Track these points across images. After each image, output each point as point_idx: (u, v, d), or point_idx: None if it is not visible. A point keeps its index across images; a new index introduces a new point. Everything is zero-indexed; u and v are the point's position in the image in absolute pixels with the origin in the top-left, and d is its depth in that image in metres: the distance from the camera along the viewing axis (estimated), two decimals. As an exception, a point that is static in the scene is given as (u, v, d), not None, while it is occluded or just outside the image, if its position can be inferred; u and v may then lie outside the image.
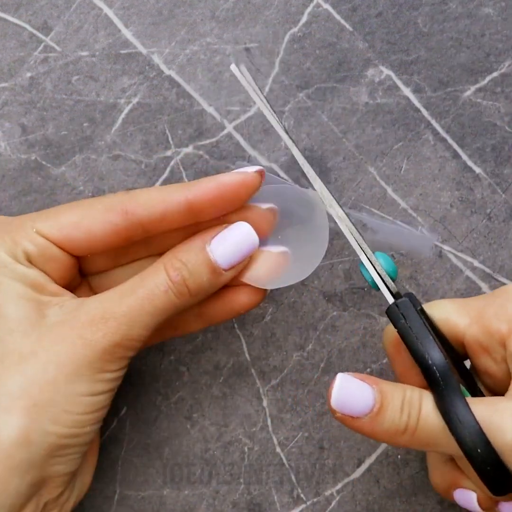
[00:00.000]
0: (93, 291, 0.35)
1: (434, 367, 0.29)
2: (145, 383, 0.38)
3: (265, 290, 0.34)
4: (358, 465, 0.38)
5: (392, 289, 0.31)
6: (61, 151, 0.38)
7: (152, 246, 0.34)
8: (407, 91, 0.38)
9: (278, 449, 0.38)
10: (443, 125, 0.38)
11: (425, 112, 0.38)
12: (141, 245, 0.33)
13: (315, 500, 0.38)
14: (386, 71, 0.38)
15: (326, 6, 0.38)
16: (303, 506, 0.38)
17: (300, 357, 0.38)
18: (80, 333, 0.30)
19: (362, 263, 0.32)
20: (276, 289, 0.38)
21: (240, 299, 0.34)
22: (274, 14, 0.38)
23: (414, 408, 0.29)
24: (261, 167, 0.32)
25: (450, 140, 0.38)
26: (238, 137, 0.38)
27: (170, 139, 0.38)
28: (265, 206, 0.33)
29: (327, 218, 0.33)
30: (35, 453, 0.30)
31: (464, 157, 0.38)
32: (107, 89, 0.38)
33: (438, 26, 0.38)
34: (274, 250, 0.33)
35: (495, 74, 0.38)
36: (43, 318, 0.30)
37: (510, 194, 0.38)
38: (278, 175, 0.38)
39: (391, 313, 0.30)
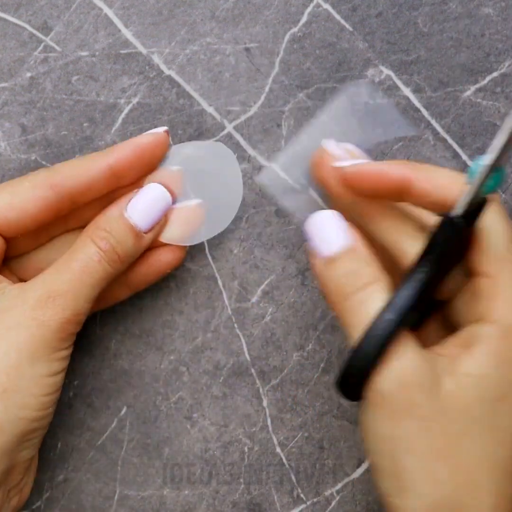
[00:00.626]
0: (15, 275, 0.35)
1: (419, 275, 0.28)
2: (145, 383, 0.38)
3: (185, 246, 0.36)
4: (358, 465, 0.38)
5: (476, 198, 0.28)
6: (61, 151, 0.38)
7: (69, 222, 0.35)
8: (407, 91, 0.38)
9: (278, 449, 0.38)
10: (443, 125, 0.38)
11: (425, 112, 0.38)
12: (59, 221, 0.34)
13: (315, 500, 0.38)
14: (386, 71, 0.38)
15: (326, 6, 0.38)
16: (303, 506, 0.38)
17: (300, 357, 0.38)
18: (32, 315, 0.31)
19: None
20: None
21: (162, 259, 0.35)
22: (274, 14, 0.38)
23: (366, 289, 0.29)
24: (163, 128, 0.35)
25: (450, 140, 0.38)
26: (238, 137, 0.38)
27: (170, 139, 0.38)
28: (171, 167, 0.35)
29: (239, 168, 0.35)
30: (8, 442, 0.31)
31: (464, 157, 0.38)
32: (107, 89, 0.38)
33: (438, 26, 0.38)
34: (187, 205, 0.35)
35: (495, 74, 0.38)
36: None
37: (510, 194, 0.38)
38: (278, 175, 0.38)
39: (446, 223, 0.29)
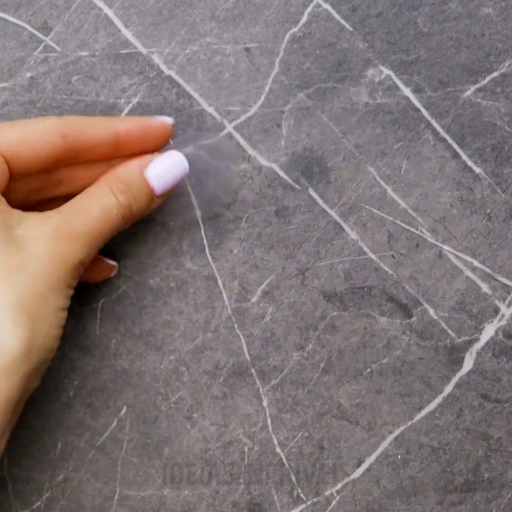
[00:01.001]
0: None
1: None
2: (145, 383, 0.38)
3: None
4: (358, 465, 0.38)
5: None
6: (61, 151, 0.38)
7: (62, 186, 0.35)
8: (407, 91, 0.38)
9: (278, 449, 0.38)
10: (443, 125, 0.38)
11: (425, 112, 0.38)
12: (52, 184, 0.35)
13: (315, 500, 0.38)
14: (386, 71, 0.38)
15: (326, 6, 0.38)
16: (303, 506, 0.38)
17: (300, 357, 0.38)
18: (57, 249, 0.31)
19: None
20: (274, 290, 0.38)
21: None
22: (274, 14, 0.38)
23: None
24: (172, 121, 0.35)
25: (450, 140, 0.38)
26: (238, 137, 0.38)
27: (170, 139, 0.38)
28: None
29: (238, 161, 0.37)
30: (33, 368, 0.31)
31: (464, 157, 0.38)
32: (107, 89, 0.38)
33: (438, 26, 0.38)
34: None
35: (495, 74, 0.38)
36: (11, 229, 0.31)
37: (510, 194, 0.38)
38: (278, 175, 0.38)
39: None
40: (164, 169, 0.34)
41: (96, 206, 0.32)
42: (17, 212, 0.32)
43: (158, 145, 0.35)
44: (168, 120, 0.35)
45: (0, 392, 0.29)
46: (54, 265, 0.31)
